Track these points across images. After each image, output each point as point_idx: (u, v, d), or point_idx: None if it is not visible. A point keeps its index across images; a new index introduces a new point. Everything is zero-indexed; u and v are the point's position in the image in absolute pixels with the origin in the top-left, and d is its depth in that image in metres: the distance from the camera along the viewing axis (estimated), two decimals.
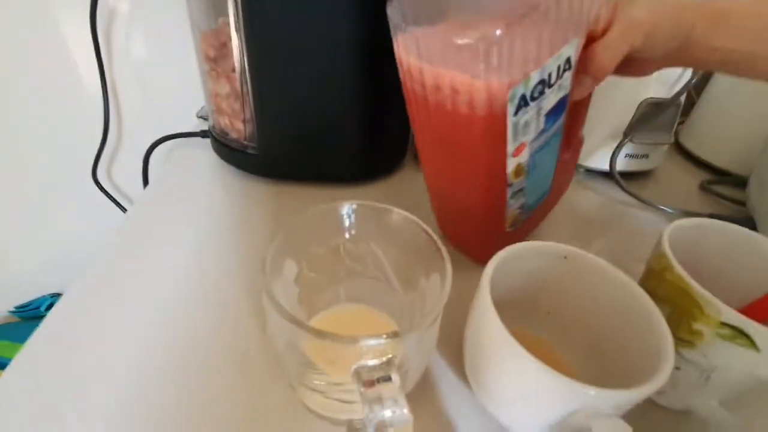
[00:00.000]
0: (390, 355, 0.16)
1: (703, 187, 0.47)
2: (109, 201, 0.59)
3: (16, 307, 0.71)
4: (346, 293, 0.23)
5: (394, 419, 0.13)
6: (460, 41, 0.19)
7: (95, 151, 0.54)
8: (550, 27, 0.20)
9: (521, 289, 0.25)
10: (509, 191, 0.27)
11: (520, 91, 0.21)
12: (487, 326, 0.19)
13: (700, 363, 0.21)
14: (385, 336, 0.15)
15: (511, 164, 0.25)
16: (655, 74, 0.42)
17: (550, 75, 0.22)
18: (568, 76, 0.24)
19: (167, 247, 0.33)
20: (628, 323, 0.21)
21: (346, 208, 0.21)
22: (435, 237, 0.19)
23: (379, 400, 0.14)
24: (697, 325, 0.20)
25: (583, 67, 0.24)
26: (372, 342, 0.15)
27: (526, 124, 0.23)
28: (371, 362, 0.15)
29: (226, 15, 0.33)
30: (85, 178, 0.56)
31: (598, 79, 0.25)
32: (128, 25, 0.50)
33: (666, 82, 0.41)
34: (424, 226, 0.20)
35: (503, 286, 0.24)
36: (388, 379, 0.15)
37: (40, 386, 0.22)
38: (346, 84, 0.34)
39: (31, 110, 0.53)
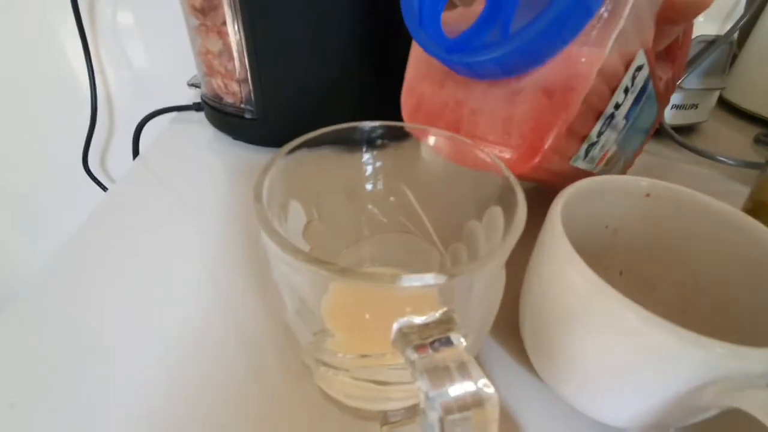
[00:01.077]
0: (445, 309, 0.11)
1: (759, 140, 0.42)
2: (103, 192, 0.55)
3: None
4: (371, 253, 0.18)
5: (469, 398, 0.08)
6: None
7: (84, 139, 0.50)
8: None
9: (587, 242, 0.20)
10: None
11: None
12: (566, 274, 0.14)
13: None
14: (436, 273, 0.10)
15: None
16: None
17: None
18: (642, 75, 0.19)
19: (152, 228, 0.28)
20: (743, 270, 0.16)
21: (366, 131, 0.16)
22: (494, 158, 0.14)
23: (442, 371, 0.09)
24: None
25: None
26: (418, 283, 0.10)
27: (603, 144, 0.20)
28: (419, 319, 0.11)
29: None
30: (76, 168, 0.52)
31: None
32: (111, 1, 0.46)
33: (717, 16, 0.36)
34: (472, 143, 0.15)
35: (567, 232, 0.19)
36: (448, 341, 0.10)
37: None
38: (348, 31, 0.29)
39: (13, 100, 0.49)
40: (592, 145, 0.20)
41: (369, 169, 0.16)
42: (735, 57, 0.49)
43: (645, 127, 0.26)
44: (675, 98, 0.38)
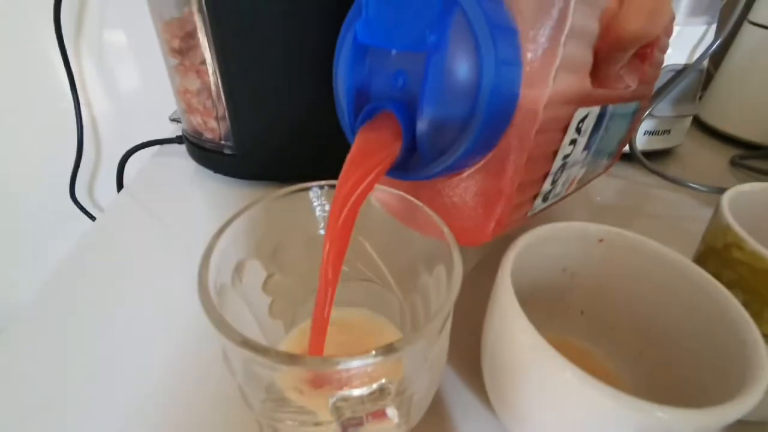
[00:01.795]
0: (382, 381, 0.11)
1: (735, 163, 0.43)
2: (90, 221, 0.55)
3: None
4: (336, 299, 0.19)
5: None
6: None
7: (71, 169, 0.50)
8: None
9: (546, 283, 0.20)
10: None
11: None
12: (512, 330, 0.15)
13: None
14: (375, 353, 0.11)
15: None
16: (672, 37, 0.38)
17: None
18: (591, 118, 0.19)
19: (138, 257, 0.29)
20: (692, 321, 0.16)
21: (316, 192, 0.16)
22: (436, 217, 0.15)
23: None
24: None
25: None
26: (357, 363, 0.11)
27: (565, 182, 0.20)
28: (356, 392, 0.11)
29: (190, 2, 0.29)
30: (63, 197, 0.52)
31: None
32: (96, 34, 0.47)
33: (685, 45, 0.37)
34: (420, 204, 0.15)
35: (524, 280, 0.19)
36: (382, 415, 0.11)
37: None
38: (321, 71, 0.30)
39: (1, 132, 0.50)
40: (548, 192, 0.20)
41: (323, 223, 0.17)
42: (710, 79, 0.51)
43: (619, 135, 0.26)
44: (647, 124, 0.39)
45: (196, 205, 0.35)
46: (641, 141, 0.40)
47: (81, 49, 0.47)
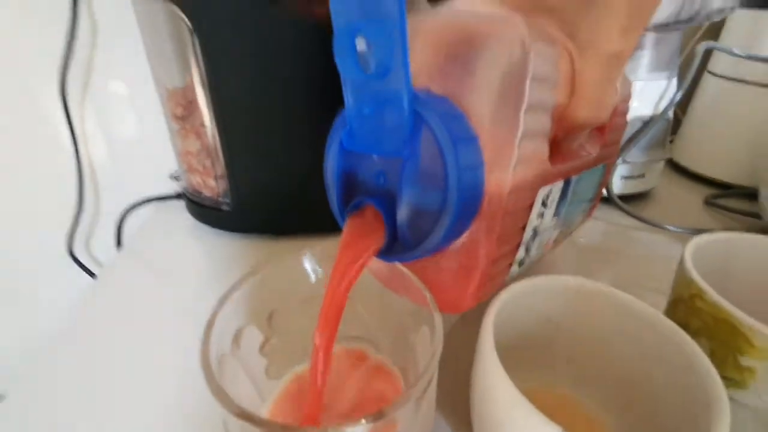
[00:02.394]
0: None
1: (709, 203, 0.45)
2: (90, 277, 0.55)
3: None
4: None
5: None
6: None
7: (69, 224, 0.51)
8: None
9: (533, 333, 0.21)
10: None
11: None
12: (494, 386, 0.16)
13: (755, 405, 0.17)
14: (365, 420, 0.12)
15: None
16: (639, 92, 0.41)
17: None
18: (554, 194, 0.21)
19: (139, 316, 0.30)
20: (663, 368, 0.17)
21: (309, 257, 0.18)
22: (417, 282, 0.16)
23: None
24: (745, 361, 0.17)
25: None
26: (350, 430, 0.12)
27: (539, 245, 0.22)
28: None
29: (192, 72, 0.32)
30: (61, 253, 0.53)
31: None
32: (101, 89, 0.49)
33: (649, 98, 0.40)
34: (403, 269, 0.17)
35: (512, 331, 0.20)
36: None
37: None
38: (312, 133, 0.33)
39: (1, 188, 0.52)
40: (523, 259, 0.22)
41: (316, 282, 0.18)
42: (679, 123, 0.54)
43: (590, 193, 0.28)
44: (622, 170, 0.42)
45: (196, 259, 0.36)
46: (618, 185, 0.42)
47: (84, 107, 0.50)
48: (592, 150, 0.24)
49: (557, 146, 0.21)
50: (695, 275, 0.19)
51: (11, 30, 0.46)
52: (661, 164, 0.44)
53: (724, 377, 0.18)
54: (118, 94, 0.49)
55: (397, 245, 0.17)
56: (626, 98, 0.26)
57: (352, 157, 0.17)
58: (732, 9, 0.35)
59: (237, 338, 0.16)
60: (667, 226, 0.38)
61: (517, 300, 0.19)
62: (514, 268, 0.21)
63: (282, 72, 0.30)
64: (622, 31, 0.17)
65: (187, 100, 0.34)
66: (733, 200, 0.45)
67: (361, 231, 0.17)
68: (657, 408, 0.18)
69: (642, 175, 0.43)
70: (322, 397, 0.15)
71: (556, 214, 0.22)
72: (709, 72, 0.48)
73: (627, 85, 0.27)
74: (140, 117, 0.50)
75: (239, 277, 0.16)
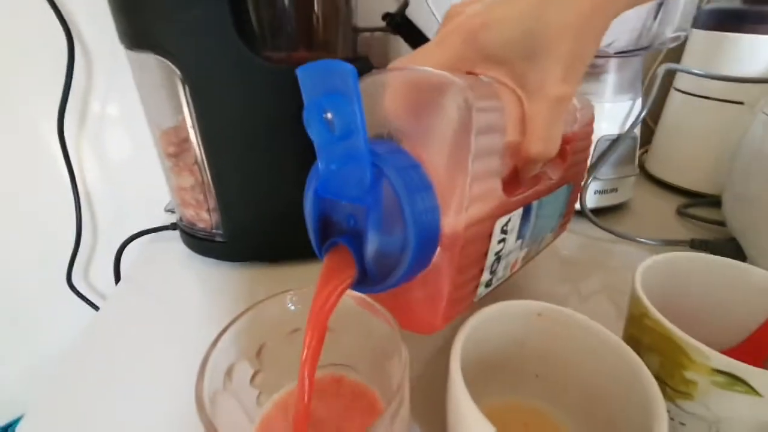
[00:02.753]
0: None
1: (680, 212, 0.47)
2: (89, 306, 0.57)
3: (0, 428, 0.66)
4: None
5: None
6: None
7: (68, 257, 0.53)
8: None
9: (503, 352, 0.23)
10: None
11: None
12: (462, 410, 0.17)
13: (704, 416, 0.19)
14: None
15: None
16: (606, 113, 0.43)
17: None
18: (514, 221, 0.23)
19: (142, 342, 0.31)
20: (615, 381, 0.19)
21: (291, 297, 0.20)
22: (387, 314, 0.18)
23: None
24: (689, 374, 0.19)
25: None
26: None
27: (505, 266, 0.24)
28: None
29: (183, 113, 0.34)
30: (61, 284, 0.54)
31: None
32: (97, 127, 0.51)
33: (616, 118, 0.43)
34: (373, 302, 0.19)
35: (484, 351, 0.22)
36: None
37: None
38: (297, 167, 0.35)
39: (2, 222, 0.53)
40: (489, 281, 0.24)
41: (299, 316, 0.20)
42: (652, 134, 0.57)
43: (557, 214, 0.29)
44: (595, 185, 0.44)
45: (192, 287, 0.38)
46: (592, 200, 0.44)
47: (80, 143, 0.52)
48: (554, 175, 0.26)
49: (517, 177, 0.23)
50: (641, 295, 0.21)
51: (10, 71, 0.48)
52: (632, 179, 0.46)
53: (675, 390, 0.20)
54: (113, 131, 0.51)
55: (367, 279, 0.19)
56: (589, 122, 0.28)
57: (326, 202, 0.19)
58: (684, 35, 0.37)
59: (229, 373, 0.18)
60: (638, 239, 0.41)
61: (485, 324, 0.21)
62: (481, 290, 0.23)
63: (267, 113, 0.32)
64: (564, 78, 0.20)
65: (179, 138, 0.36)
66: (703, 209, 0.47)
67: (335, 267, 0.19)
68: (613, 416, 0.20)
69: (615, 190, 0.45)
70: (308, 418, 0.17)
71: (520, 237, 0.24)
72: (675, 89, 0.51)
73: (589, 109, 0.30)
74: (135, 153, 0.52)
75: (232, 306, 0.18)
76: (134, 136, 0.51)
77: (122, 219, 0.55)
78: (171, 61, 0.30)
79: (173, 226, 0.44)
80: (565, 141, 0.27)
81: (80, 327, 0.53)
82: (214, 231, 0.38)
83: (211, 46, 0.29)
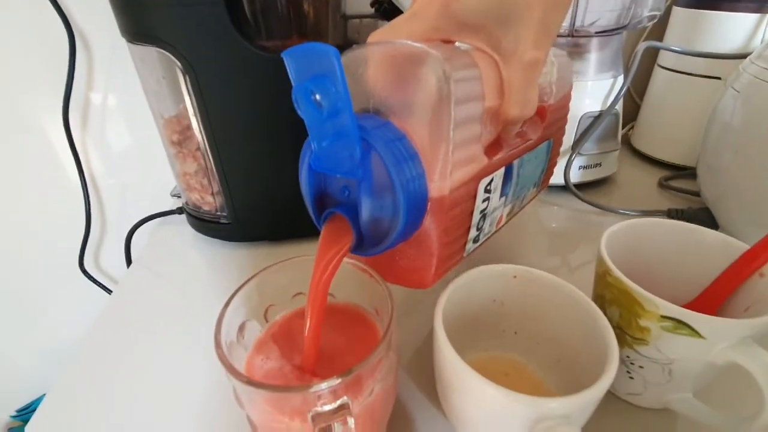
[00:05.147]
0: (345, 398, 0.16)
1: (662, 185, 0.50)
2: (100, 289, 0.60)
3: (18, 411, 0.70)
4: None
5: None
6: None
7: (80, 243, 0.56)
8: None
9: (485, 312, 0.26)
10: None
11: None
12: (444, 358, 0.20)
13: (658, 358, 0.22)
14: (338, 378, 0.16)
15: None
16: (588, 90, 0.45)
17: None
18: (496, 181, 0.24)
19: (156, 323, 0.34)
20: (581, 332, 0.22)
21: (295, 264, 0.22)
22: (376, 274, 0.21)
23: None
24: (643, 322, 0.21)
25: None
26: (325, 386, 0.16)
27: (492, 222, 0.25)
28: (327, 407, 0.16)
29: (185, 101, 0.36)
30: (73, 269, 0.57)
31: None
32: (100, 117, 0.53)
33: (598, 96, 0.44)
34: (364, 266, 0.21)
35: (466, 312, 0.25)
36: (344, 422, 0.16)
37: None
38: (296, 149, 0.37)
39: (11, 210, 0.56)
40: (477, 237, 0.26)
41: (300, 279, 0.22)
42: (639, 108, 0.58)
43: (539, 170, 0.31)
44: (579, 160, 0.46)
45: (200, 268, 0.41)
46: (577, 175, 0.47)
47: (86, 134, 0.54)
48: (533, 135, 0.28)
49: (498, 139, 0.25)
50: (605, 256, 0.23)
51: (14, 69, 0.49)
52: (616, 153, 0.48)
53: (633, 337, 0.22)
54: (117, 121, 0.53)
55: (364, 243, 0.21)
56: (567, 78, 0.30)
57: (320, 176, 0.21)
58: (659, 14, 0.39)
59: (241, 330, 0.20)
60: (620, 210, 0.43)
61: (468, 285, 0.24)
62: (470, 246, 0.25)
63: (265, 100, 0.34)
64: (537, 43, 0.21)
65: (182, 126, 0.38)
66: (684, 181, 0.50)
67: (334, 235, 0.21)
68: (579, 362, 0.22)
69: (598, 164, 0.47)
70: (316, 358, 0.19)
71: (503, 194, 0.26)
72: (659, 65, 0.52)
73: (567, 65, 0.30)
74: (139, 141, 0.54)
75: (239, 283, 0.20)
76: (137, 125, 0.53)
77: (130, 205, 0.57)
78: (171, 53, 0.32)
79: (180, 210, 0.46)
80: (543, 106, 0.28)
81: (93, 310, 0.56)
82: (218, 213, 0.40)
83: (209, 38, 0.31)
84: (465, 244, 0.25)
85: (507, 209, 0.29)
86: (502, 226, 0.29)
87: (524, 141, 0.27)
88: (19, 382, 0.68)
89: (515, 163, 0.26)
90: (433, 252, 0.22)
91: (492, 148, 0.23)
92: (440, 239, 0.21)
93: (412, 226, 0.21)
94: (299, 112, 0.18)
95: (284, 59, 0.17)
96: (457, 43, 0.22)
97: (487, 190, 0.24)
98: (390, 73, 0.20)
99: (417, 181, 0.19)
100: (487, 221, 0.26)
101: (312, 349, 0.20)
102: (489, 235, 0.28)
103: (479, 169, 0.22)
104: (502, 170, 0.25)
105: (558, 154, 0.34)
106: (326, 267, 0.20)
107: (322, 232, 0.21)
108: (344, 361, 0.21)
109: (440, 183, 0.20)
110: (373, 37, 0.22)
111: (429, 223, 0.21)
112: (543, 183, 0.34)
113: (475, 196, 0.23)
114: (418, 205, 0.20)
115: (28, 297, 0.62)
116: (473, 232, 0.25)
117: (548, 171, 0.34)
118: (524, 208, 0.32)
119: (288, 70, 0.17)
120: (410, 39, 0.20)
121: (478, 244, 0.27)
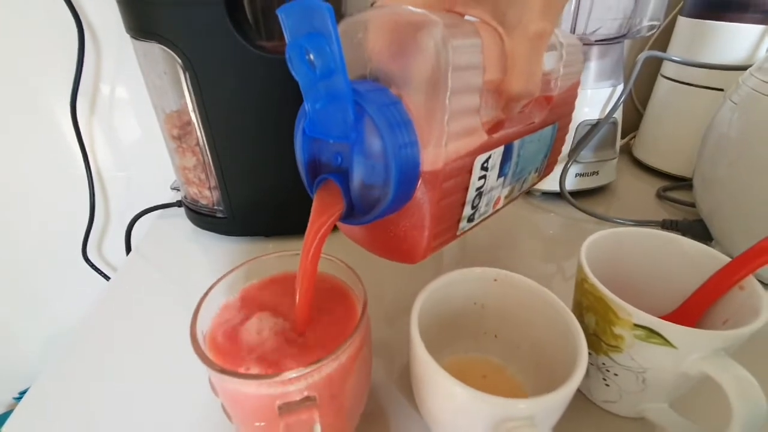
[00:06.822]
0: (312, 395, 0.17)
1: (660, 195, 0.49)
2: (103, 278, 0.61)
3: (21, 393, 0.71)
4: None
5: None
6: None
7: (83, 232, 0.57)
8: None
9: (465, 314, 0.26)
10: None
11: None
12: (416, 356, 0.20)
13: (631, 366, 0.22)
14: (307, 367, 0.16)
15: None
16: (588, 99, 0.45)
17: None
18: (494, 158, 0.24)
19: (150, 311, 0.35)
20: (557, 336, 0.22)
21: (275, 259, 0.23)
22: (352, 269, 0.21)
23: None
24: (616, 330, 0.21)
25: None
26: (293, 375, 0.16)
27: (488, 201, 0.25)
28: (294, 397, 0.17)
29: (186, 98, 0.37)
30: (77, 257, 0.59)
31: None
32: (107, 109, 0.55)
33: (597, 104, 0.44)
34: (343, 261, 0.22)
35: (445, 313, 0.25)
36: (309, 414, 0.16)
37: None
38: (292, 146, 0.37)
39: (18, 199, 0.57)
40: (472, 215, 0.25)
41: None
42: (642, 117, 0.58)
43: (541, 154, 0.29)
44: (576, 168, 0.46)
45: (196, 260, 0.42)
46: (573, 182, 0.47)
47: (92, 126, 0.55)
48: (537, 117, 0.27)
49: (500, 117, 0.24)
50: (584, 262, 0.23)
51: (26, 60, 0.51)
52: (614, 162, 0.48)
53: (608, 344, 0.23)
54: (123, 114, 0.55)
55: (354, 212, 0.21)
56: (577, 61, 0.29)
57: (314, 142, 0.21)
58: (658, 24, 0.39)
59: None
60: (615, 219, 0.43)
61: (447, 287, 0.24)
62: (464, 224, 0.24)
63: (262, 99, 0.35)
64: (543, 13, 0.20)
65: (182, 121, 0.39)
66: (682, 192, 0.49)
67: (325, 201, 0.21)
68: (553, 363, 0.23)
69: (596, 173, 0.47)
70: (307, 321, 0.20)
71: (502, 174, 0.25)
72: (662, 75, 0.52)
73: (576, 47, 0.29)
74: (143, 134, 0.55)
75: (231, 258, 0.21)
76: (142, 118, 0.54)
77: (132, 196, 0.58)
78: (172, 50, 0.33)
79: (179, 203, 0.47)
80: (547, 84, 0.27)
81: (95, 297, 0.57)
82: (215, 208, 0.41)
83: (209, 38, 0.32)
84: (458, 221, 0.24)
85: (505, 191, 0.27)
86: (500, 208, 0.28)
87: (526, 122, 0.26)
88: (23, 366, 0.70)
89: (516, 143, 0.25)
90: (425, 225, 0.21)
91: (493, 128, 0.23)
92: (432, 212, 0.21)
93: (404, 195, 0.20)
94: (292, 71, 0.17)
95: (279, 15, 0.16)
96: (465, 17, 0.21)
97: (484, 168, 0.23)
98: (389, 39, 0.20)
99: (409, 147, 0.19)
100: (483, 200, 0.25)
101: (304, 312, 0.20)
102: (485, 216, 0.27)
103: (477, 144, 0.21)
104: (501, 149, 0.23)
105: (564, 139, 0.32)
106: (317, 232, 0.20)
107: (314, 198, 0.21)
108: (327, 331, 0.21)
109: (434, 153, 0.19)
110: (378, 3, 0.21)
111: (421, 194, 0.20)
112: (546, 169, 0.33)
113: (470, 172, 0.22)
114: (409, 173, 0.19)
115: (32, 283, 0.63)
116: (468, 210, 0.24)
117: (551, 157, 0.32)
118: (520, 212, 0.32)
119: (283, 27, 0.17)
120: (414, 6, 0.20)
121: (473, 223, 0.26)
